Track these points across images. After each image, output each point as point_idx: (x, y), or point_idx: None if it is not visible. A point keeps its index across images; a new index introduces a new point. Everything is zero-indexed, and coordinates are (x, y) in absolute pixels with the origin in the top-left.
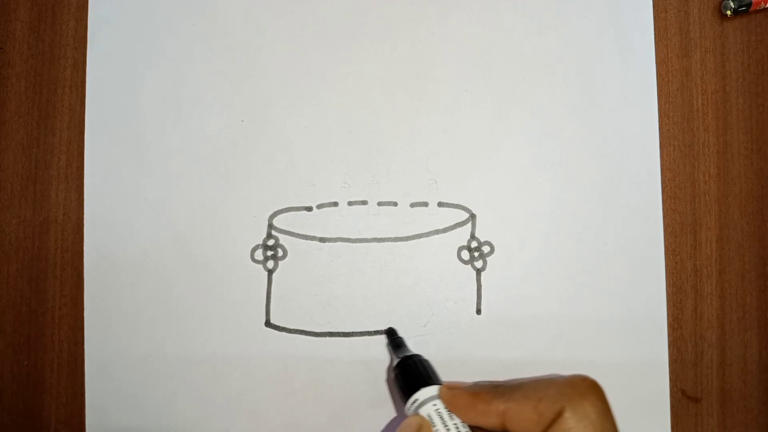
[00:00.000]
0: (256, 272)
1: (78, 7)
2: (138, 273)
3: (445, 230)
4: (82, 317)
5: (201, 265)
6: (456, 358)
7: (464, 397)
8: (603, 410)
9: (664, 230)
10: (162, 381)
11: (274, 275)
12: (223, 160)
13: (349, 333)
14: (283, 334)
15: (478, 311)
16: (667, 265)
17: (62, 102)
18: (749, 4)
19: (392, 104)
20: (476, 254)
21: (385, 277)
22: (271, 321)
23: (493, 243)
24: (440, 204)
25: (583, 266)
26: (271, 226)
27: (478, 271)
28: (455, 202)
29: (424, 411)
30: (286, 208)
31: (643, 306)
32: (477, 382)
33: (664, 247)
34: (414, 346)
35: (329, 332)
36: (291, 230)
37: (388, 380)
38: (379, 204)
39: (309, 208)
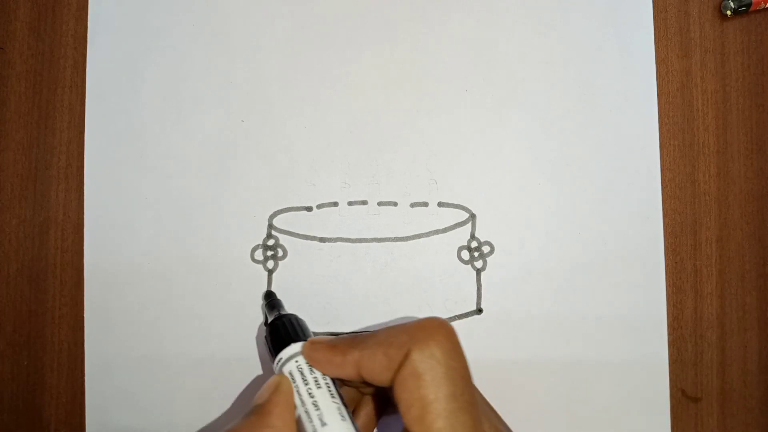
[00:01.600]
0: (256, 272)
1: (78, 7)
2: (138, 273)
3: (445, 230)
4: (82, 317)
5: (201, 265)
6: None
7: (323, 351)
8: (449, 348)
9: (664, 230)
10: (162, 381)
11: (274, 275)
12: (223, 160)
13: (348, 333)
14: None
15: (478, 311)
16: (667, 265)
17: (62, 102)
18: (749, 4)
19: (392, 104)
20: (476, 254)
21: (385, 277)
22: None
23: (493, 243)
24: (440, 204)
25: (583, 266)
26: (271, 226)
27: (478, 271)
28: (455, 202)
29: (286, 369)
30: (286, 208)
31: (643, 306)
32: (340, 335)
33: (664, 247)
34: None
35: (329, 332)
36: (291, 230)
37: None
38: (379, 204)
39: (309, 208)
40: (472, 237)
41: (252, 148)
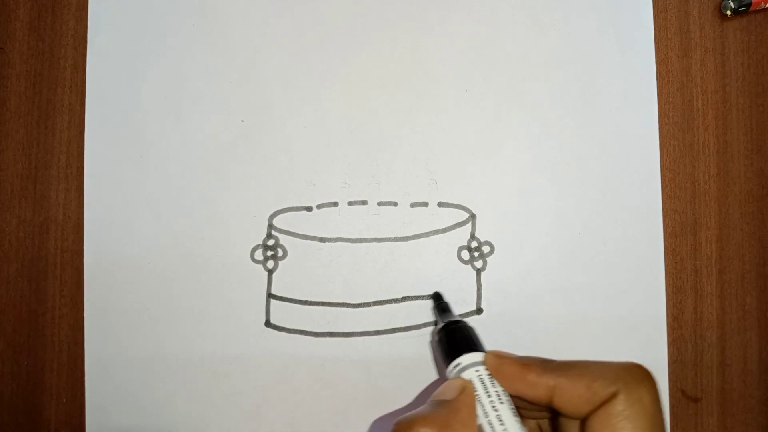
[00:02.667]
0: (256, 272)
1: (78, 7)
2: (138, 273)
3: (445, 230)
4: (82, 317)
5: (201, 265)
6: None
7: (513, 367)
8: (656, 399)
9: (664, 230)
10: (162, 381)
11: (274, 275)
12: (223, 160)
13: (349, 333)
14: (283, 334)
15: (479, 311)
16: (667, 265)
17: (62, 102)
18: (749, 4)
19: (392, 104)
20: (476, 254)
21: (385, 277)
22: (271, 321)
23: (493, 243)
24: (440, 204)
25: (583, 266)
26: (271, 226)
27: (478, 271)
28: (455, 202)
29: (466, 375)
30: (286, 208)
31: (643, 306)
32: (525, 356)
33: (664, 247)
34: (414, 346)
35: (329, 332)
36: (291, 230)
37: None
38: (379, 204)
39: (309, 208)
40: (472, 237)
41: (252, 148)
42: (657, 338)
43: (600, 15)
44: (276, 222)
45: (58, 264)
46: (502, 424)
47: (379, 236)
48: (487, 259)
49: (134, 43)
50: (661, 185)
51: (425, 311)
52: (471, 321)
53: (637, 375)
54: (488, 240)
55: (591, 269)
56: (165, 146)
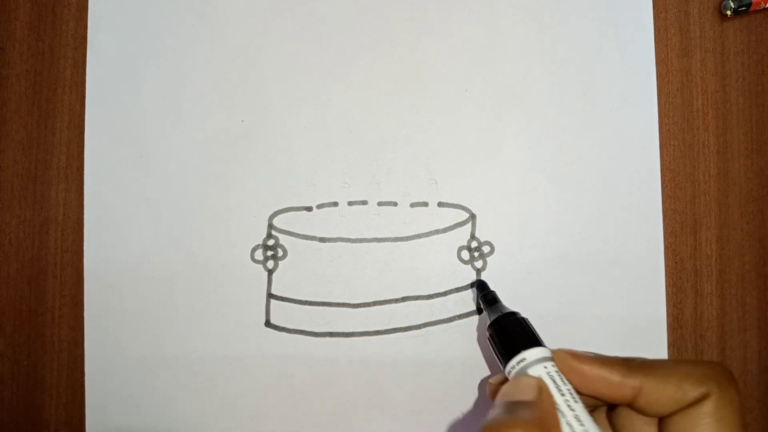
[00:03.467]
0: (256, 272)
1: (78, 7)
2: (138, 273)
3: (445, 230)
4: (82, 317)
5: (201, 265)
6: (456, 357)
7: (594, 366)
8: (740, 398)
9: (664, 230)
10: (162, 381)
11: (274, 275)
12: (223, 160)
13: (349, 333)
14: (283, 334)
15: (479, 311)
16: (667, 265)
17: (62, 102)
18: (749, 4)
19: (392, 104)
20: (476, 254)
21: (385, 277)
22: (271, 321)
23: (493, 243)
24: (440, 204)
25: (583, 266)
26: (271, 226)
27: (478, 271)
28: (455, 202)
29: (532, 372)
30: (286, 208)
31: (643, 306)
32: (599, 354)
33: (664, 247)
34: (414, 346)
35: (329, 332)
36: (291, 230)
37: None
38: (379, 204)
39: (309, 208)
40: (472, 237)
41: (252, 148)
42: (657, 338)
43: (600, 15)
44: (276, 222)
45: (58, 264)
46: (581, 424)
47: (379, 236)
48: (487, 259)
49: (134, 43)
50: (661, 185)
51: (425, 311)
52: (471, 321)
53: (728, 376)
54: (488, 240)
55: (591, 269)
56: (165, 146)
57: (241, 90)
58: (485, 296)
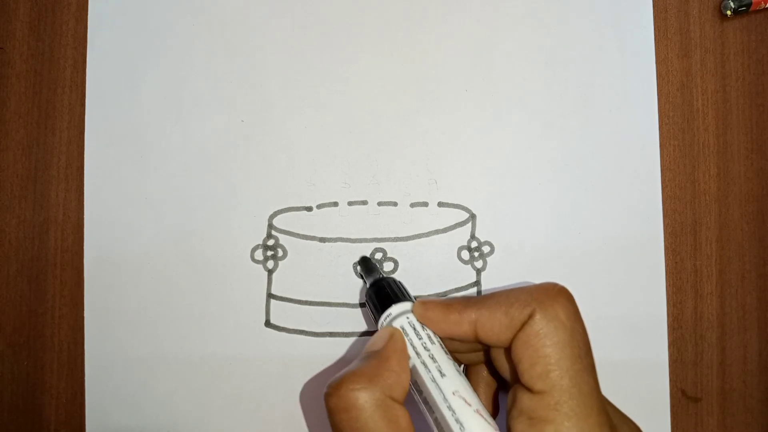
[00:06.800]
0: (256, 272)
1: (78, 7)
2: (138, 273)
3: (445, 230)
4: (82, 317)
5: (201, 265)
6: None
7: (437, 309)
8: (573, 312)
9: (664, 230)
10: (162, 381)
11: (274, 275)
12: (223, 160)
13: (349, 333)
14: (283, 334)
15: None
16: (667, 265)
17: (62, 102)
18: (749, 4)
19: (392, 104)
20: (476, 254)
21: None
22: (271, 321)
23: (493, 243)
24: (440, 204)
25: (583, 266)
26: (271, 226)
27: (478, 271)
28: (455, 202)
29: (396, 324)
30: (286, 208)
31: (643, 306)
32: (450, 297)
33: (664, 247)
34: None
35: (329, 332)
36: (291, 230)
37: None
38: (379, 204)
39: (309, 208)
40: (472, 237)
41: (252, 148)
42: (657, 338)
43: (600, 15)
44: (276, 222)
45: (58, 264)
46: (435, 361)
47: (379, 236)
48: (487, 259)
49: (134, 43)
50: (661, 185)
51: None
52: None
53: (550, 292)
54: (488, 240)
55: (591, 269)
56: (165, 146)
57: (241, 90)
58: (366, 267)
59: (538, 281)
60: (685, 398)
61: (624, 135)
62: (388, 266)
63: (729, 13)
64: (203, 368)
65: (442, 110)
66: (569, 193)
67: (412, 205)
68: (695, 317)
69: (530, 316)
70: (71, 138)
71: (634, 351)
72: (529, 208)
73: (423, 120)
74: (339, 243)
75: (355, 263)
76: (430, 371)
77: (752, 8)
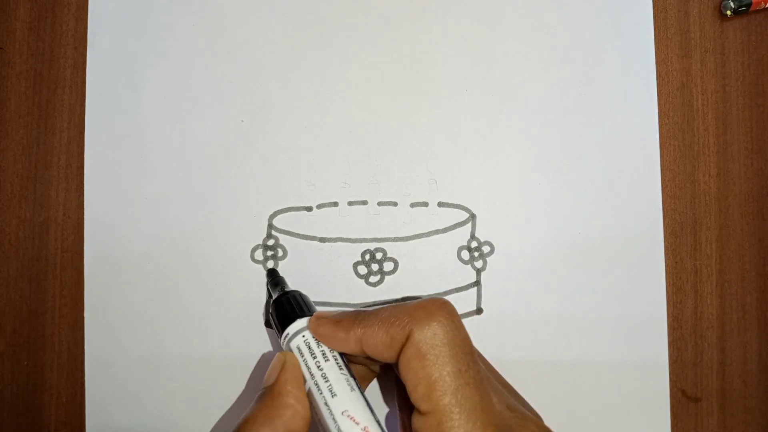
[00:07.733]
0: (256, 272)
1: (78, 7)
2: (138, 273)
3: (445, 230)
4: (82, 317)
5: (201, 265)
6: None
7: (328, 326)
8: (451, 327)
9: (664, 230)
10: (162, 381)
11: None
12: (223, 160)
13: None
14: None
15: (479, 311)
16: (667, 265)
17: (62, 102)
18: (749, 4)
19: (392, 104)
20: (476, 254)
21: (385, 277)
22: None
23: (493, 243)
24: (440, 204)
25: (583, 266)
26: (271, 226)
27: (478, 271)
28: (455, 202)
29: (294, 344)
30: (286, 208)
31: (643, 306)
32: (344, 310)
33: (664, 247)
34: None
35: None
36: (291, 230)
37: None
38: (379, 204)
39: (309, 208)
40: (472, 237)
41: (252, 148)
42: (657, 338)
43: (600, 15)
44: (276, 222)
45: (58, 264)
46: (327, 381)
47: (379, 236)
48: (487, 259)
49: (134, 43)
50: (661, 185)
51: None
52: (471, 321)
53: (428, 309)
54: (488, 240)
55: (591, 269)
56: (165, 146)
57: (241, 90)
58: (273, 280)
59: (538, 281)
60: (685, 398)
61: (624, 135)
62: (388, 266)
63: (729, 13)
64: (203, 368)
65: (442, 110)
66: (569, 193)
67: (412, 205)
68: (695, 317)
69: (408, 337)
70: (71, 138)
71: (634, 351)
72: (529, 208)
73: (423, 120)
74: (339, 243)
75: (355, 263)
76: (322, 392)
77: (752, 8)
